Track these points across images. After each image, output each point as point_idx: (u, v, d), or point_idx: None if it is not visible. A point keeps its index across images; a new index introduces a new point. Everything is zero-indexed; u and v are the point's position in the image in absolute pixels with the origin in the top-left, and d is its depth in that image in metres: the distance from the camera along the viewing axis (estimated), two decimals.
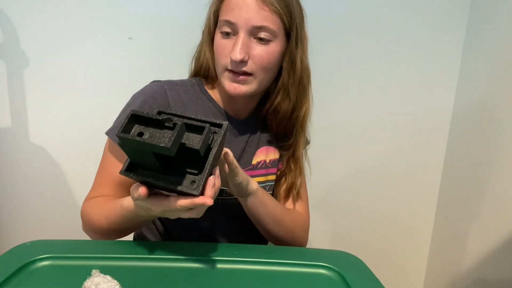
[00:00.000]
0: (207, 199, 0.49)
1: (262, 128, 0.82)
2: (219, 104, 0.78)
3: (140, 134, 0.46)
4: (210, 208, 0.73)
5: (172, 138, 0.43)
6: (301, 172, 0.83)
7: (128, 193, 0.72)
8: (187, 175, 0.50)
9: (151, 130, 0.46)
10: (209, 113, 0.77)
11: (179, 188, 0.48)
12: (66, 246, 0.60)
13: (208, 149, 0.50)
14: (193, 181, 0.49)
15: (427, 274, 1.36)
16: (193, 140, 0.48)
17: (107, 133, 0.70)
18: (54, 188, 1.17)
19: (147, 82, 0.76)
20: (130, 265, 0.56)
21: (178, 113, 0.51)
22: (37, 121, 1.11)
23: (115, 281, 0.47)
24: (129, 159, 0.51)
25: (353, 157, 1.25)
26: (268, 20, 0.66)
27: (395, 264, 1.35)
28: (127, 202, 0.59)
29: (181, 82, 0.77)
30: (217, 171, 0.53)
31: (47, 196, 1.17)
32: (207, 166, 0.49)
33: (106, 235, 0.67)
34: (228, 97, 0.75)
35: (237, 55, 0.66)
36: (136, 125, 0.48)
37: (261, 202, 0.71)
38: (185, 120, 0.48)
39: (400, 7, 1.14)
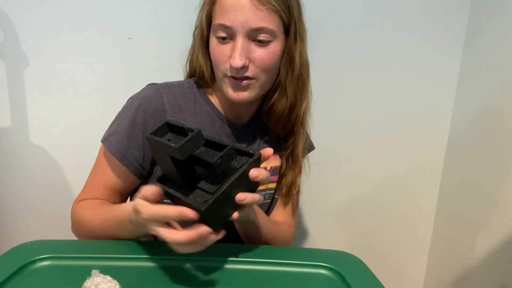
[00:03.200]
0: (212, 232, 0.46)
1: (263, 133, 0.79)
2: (218, 108, 0.75)
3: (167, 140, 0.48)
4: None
5: (183, 141, 0.44)
6: (300, 171, 0.80)
7: (119, 199, 0.72)
8: (204, 193, 0.50)
9: (177, 138, 0.48)
10: (207, 117, 0.74)
11: (189, 200, 0.47)
12: (66, 246, 0.60)
13: (231, 171, 0.49)
14: (206, 200, 0.47)
15: (427, 274, 1.36)
16: (213, 156, 0.47)
17: (102, 141, 0.68)
18: (54, 188, 1.17)
19: (147, 82, 0.75)
20: (130, 265, 0.56)
21: (217, 141, 0.50)
22: (37, 121, 1.11)
23: (115, 281, 0.47)
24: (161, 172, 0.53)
25: (353, 157, 1.25)
26: (266, 20, 0.62)
27: (395, 264, 1.35)
28: (123, 208, 0.58)
29: (178, 84, 0.74)
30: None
31: (47, 196, 1.17)
32: (222, 188, 0.47)
33: (97, 238, 0.65)
34: (229, 101, 0.72)
35: (238, 62, 0.62)
36: (170, 133, 0.50)
37: (256, 228, 0.68)
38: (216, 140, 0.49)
39: (400, 6, 1.14)
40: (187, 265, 0.57)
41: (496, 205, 1.04)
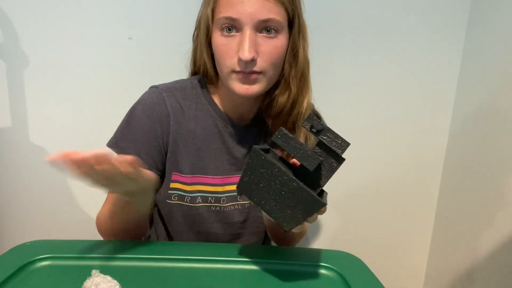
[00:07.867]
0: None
1: (266, 135, 0.78)
2: (221, 108, 0.74)
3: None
4: (207, 214, 0.74)
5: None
6: None
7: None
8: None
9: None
10: (209, 118, 0.73)
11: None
12: (66, 246, 0.60)
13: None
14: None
15: (427, 274, 1.36)
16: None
17: (110, 146, 0.68)
18: (54, 188, 1.17)
19: (147, 82, 0.75)
20: (130, 265, 0.56)
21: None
22: (37, 121, 1.11)
23: (115, 281, 0.47)
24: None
25: (352, 157, 1.24)
26: (274, 11, 0.62)
27: (395, 264, 1.35)
28: None
29: (180, 86, 0.74)
30: None
31: (47, 196, 1.17)
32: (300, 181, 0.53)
33: (113, 234, 0.68)
34: (231, 100, 0.72)
35: (247, 54, 0.60)
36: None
37: None
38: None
39: (400, 6, 1.14)
40: (187, 265, 0.57)
41: (496, 205, 1.04)
